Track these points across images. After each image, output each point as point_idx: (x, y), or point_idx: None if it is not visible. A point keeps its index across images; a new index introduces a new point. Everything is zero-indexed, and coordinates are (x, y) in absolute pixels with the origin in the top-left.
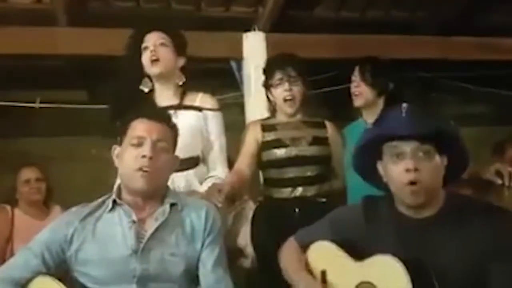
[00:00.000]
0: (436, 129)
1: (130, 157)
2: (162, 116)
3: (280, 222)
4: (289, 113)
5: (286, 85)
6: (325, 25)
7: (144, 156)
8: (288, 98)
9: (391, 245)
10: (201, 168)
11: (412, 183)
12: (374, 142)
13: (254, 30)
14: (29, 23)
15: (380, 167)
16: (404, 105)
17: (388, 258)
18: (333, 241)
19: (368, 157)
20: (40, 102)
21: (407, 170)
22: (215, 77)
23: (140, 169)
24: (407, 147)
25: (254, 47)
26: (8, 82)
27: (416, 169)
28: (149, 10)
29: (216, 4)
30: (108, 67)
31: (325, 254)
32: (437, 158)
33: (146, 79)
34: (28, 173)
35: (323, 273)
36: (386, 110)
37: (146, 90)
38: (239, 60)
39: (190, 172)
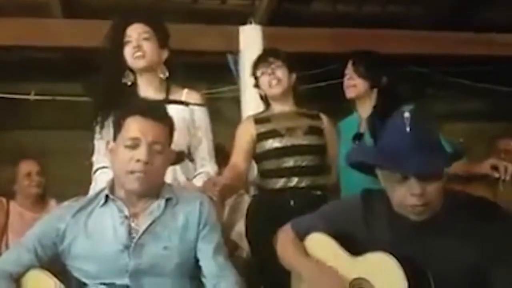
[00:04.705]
0: (447, 164)
1: (124, 159)
2: (158, 113)
3: (275, 214)
4: (276, 95)
5: (268, 70)
6: (321, 19)
7: (138, 160)
8: (272, 81)
9: (387, 243)
10: (186, 163)
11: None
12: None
13: (251, 23)
14: (24, 14)
15: (379, 173)
16: (407, 114)
17: (384, 255)
18: (330, 233)
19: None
20: (35, 95)
21: (412, 195)
22: (211, 70)
23: (135, 171)
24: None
25: (250, 41)
26: (2, 74)
27: (422, 194)
28: (145, 2)
29: None
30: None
31: (321, 248)
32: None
33: (128, 72)
34: (29, 166)
35: None
36: (387, 121)
37: (128, 83)
38: (236, 53)
39: (176, 167)
